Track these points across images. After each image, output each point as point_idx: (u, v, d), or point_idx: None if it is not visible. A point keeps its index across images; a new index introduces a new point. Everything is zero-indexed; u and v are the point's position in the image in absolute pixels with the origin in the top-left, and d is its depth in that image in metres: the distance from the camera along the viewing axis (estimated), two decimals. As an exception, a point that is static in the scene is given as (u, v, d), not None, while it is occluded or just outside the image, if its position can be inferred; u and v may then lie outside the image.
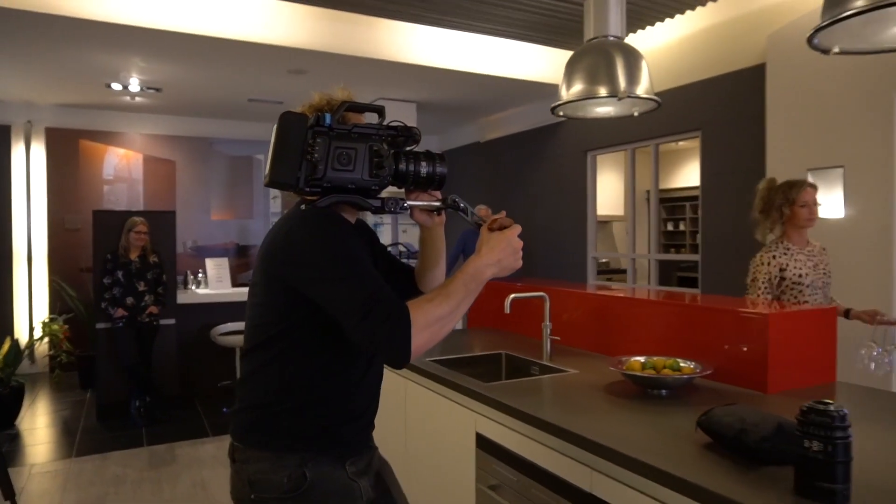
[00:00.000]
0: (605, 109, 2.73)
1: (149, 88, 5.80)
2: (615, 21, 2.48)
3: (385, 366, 1.46)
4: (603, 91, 2.35)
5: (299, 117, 1.28)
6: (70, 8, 3.90)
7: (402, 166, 1.35)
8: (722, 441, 1.46)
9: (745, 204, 4.42)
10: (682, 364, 2.04)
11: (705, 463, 1.41)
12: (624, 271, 6.54)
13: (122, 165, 7.19)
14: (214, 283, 5.80)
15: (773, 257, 2.70)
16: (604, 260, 8.02)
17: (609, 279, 7.54)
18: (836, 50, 1.63)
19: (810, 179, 3.26)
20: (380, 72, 5.18)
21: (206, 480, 3.72)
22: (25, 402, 5.06)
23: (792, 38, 3.82)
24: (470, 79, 5.46)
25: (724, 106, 4.64)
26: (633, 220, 5.81)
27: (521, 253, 1.30)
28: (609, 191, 7.37)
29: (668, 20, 4.86)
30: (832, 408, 1.19)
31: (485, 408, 2.02)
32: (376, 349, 1.18)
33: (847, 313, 2.76)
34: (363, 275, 1.22)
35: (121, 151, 7.15)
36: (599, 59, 2.39)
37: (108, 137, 7.03)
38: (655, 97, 2.48)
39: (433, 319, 1.19)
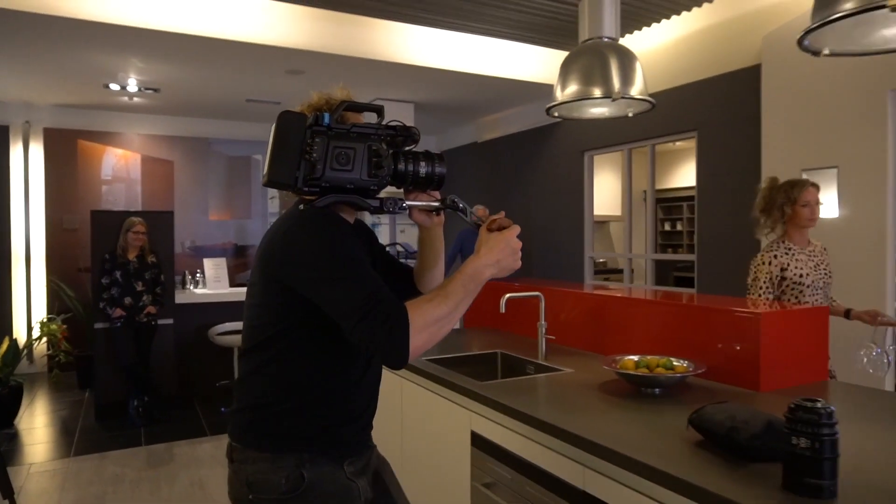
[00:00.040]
0: (599, 110, 2.75)
1: (147, 89, 5.81)
2: (609, 22, 2.50)
3: (384, 366, 1.45)
4: (597, 92, 2.37)
5: (298, 117, 1.28)
6: (68, 9, 3.91)
7: (401, 166, 1.35)
8: (713, 438, 1.48)
9: (741, 204, 4.45)
10: (675, 363, 2.06)
11: (696, 460, 1.43)
12: (621, 271, 6.56)
13: (120, 166, 7.21)
14: (212, 283, 5.81)
15: (775, 257, 2.68)
16: (601, 260, 8.04)
17: (606, 279, 7.56)
18: (826, 52, 1.65)
19: (790, 179, 3.23)
20: (377, 72, 5.20)
21: (203, 480, 3.73)
22: (24, 402, 5.07)
23: (787, 39, 3.83)
24: (467, 79, 5.48)
25: (719, 106, 4.66)
26: (629, 220, 5.83)
27: (520, 253, 1.29)
28: (607, 191, 7.39)
29: (664, 21, 4.88)
30: (819, 405, 1.21)
31: (480, 406, 2.04)
32: (375, 350, 1.18)
33: (847, 314, 2.76)
34: (362, 275, 1.22)
35: (119, 152, 7.16)
36: (594, 60, 2.41)
37: (106, 138, 7.04)
38: (649, 98, 2.49)
39: (432, 320, 1.19)
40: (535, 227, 6.58)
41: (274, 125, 1.26)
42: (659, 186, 8.80)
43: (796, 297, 2.67)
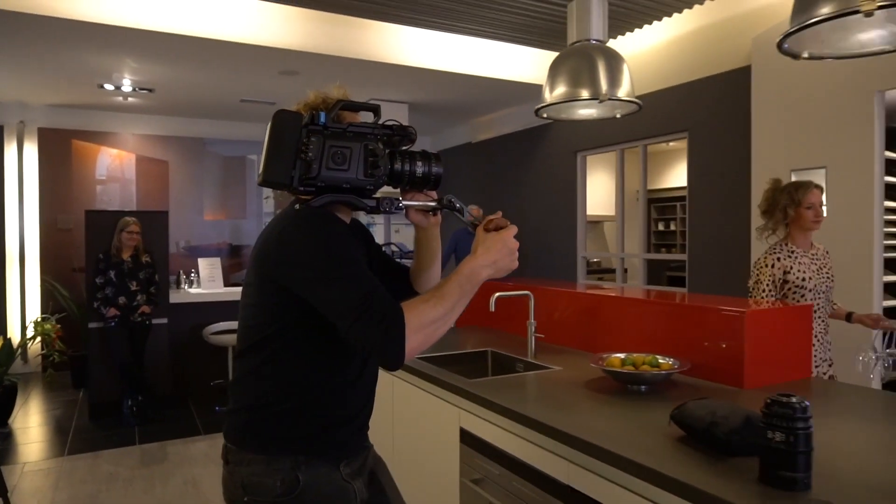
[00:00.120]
0: (587, 111, 2.78)
1: (141, 89, 5.83)
2: (597, 25, 2.53)
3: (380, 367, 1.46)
4: (585, 93, 2.40)
5: (294, 116, 1.27)
6: (62, 9, 3.93)
7: (398, 166, 1.33)
8: (693, 434, 1.51)
9: (732, 204, 4.50)
10: (660, 360, 2.09)
11: (677, 454, 1.46)
12: (615, 271, 6.60)
13: (114, 165, 7.21)
14: (207, 282, 5.82)
15: (778, 259, 2.63)
16: (595, 260, 8.08)
17: (600, 279, 7.60)
18: (806, 55, 1.68)
19: (777, 177, 3.19)
20: (372, 73, 5.22)
21: (197, 478, 3.75)
22: (18, 402, 5.07)
23: (776, 41, 3.88)
24: (461, 80, 5.51)
25: (710, 107, 4.70)
26: (622, 220, 5.87)
27: (517, 254, 1.28)
28: (601, 191, 7.43)
29: (655, 23, 4.92)
30: (794, 400, 1.24)
31: (468, 403, 2.07)
32: (370, 351, 1.17)
33: (849, 317, 2.74)
34: (358, 275, 1.21)
35: (113, 151, 7.16)
36: (582, 62, 2.44)
37: (100, 138, 7.05)
38: (636, 100, 2.53)
39: (428, 321, 1.18)
40: (528, 227, 6.62)
41: (270, 124, 1.26)
42: (653, 186, 8.84)
43: (798, 301, 2.62)
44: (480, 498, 1.99)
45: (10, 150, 6.54)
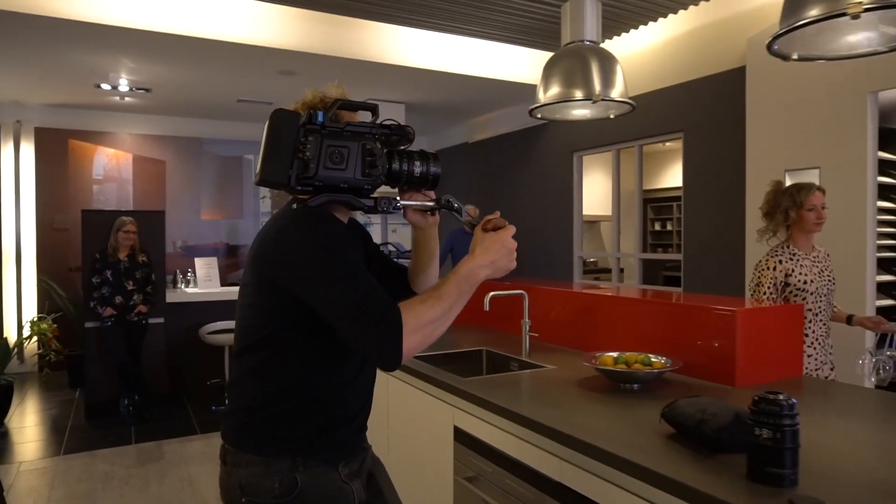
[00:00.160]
0: (581, 112, 2.80)
1: (138, 89, 5.83)
2: (591, 26, 2.55)
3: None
4: (579, 94, 2.42)
5: (291, 115, 1.26)
6: (59, 9, 3.93)
7: (396, 165, 1.33)
8: (683, 431, 1.52)
9: (727, 204, 4.52)
10: (653, 359, 2.10)
11: (667, 452, 1.47)
12: (611, 270, 6.62)
13: (111, 165, 7.21)
14: (204, 282, 5.83)
15: (780, 262, 2.59)
16: (592, 259, 8.10)
17: (597, 278, 7.62)
18: (795, 57, 1.70)
19: (779, 178, 3.19)
20: (369, 73, 5.24)
21: (193, 477, 3.76)
22: (14, 401, 5.07)
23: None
24: (458, 80, 5.53)
25: (705, 108, 4.72)
26: (617, 220, 5.89)
27: (515, 254, 1.28)
28: (598, 191, 7.46)
29: (651, 24, 4.94)
30: (781, 397, 1.26)
31: (462, 402, 2.08)
32: (368, 351, 1.17)
33: (849, 319, 2.73)
34: (355, 276, 1.20)
35: (110, 151, 7.16)
36: (575, 62, 2.46)
37: (97, 137, 7.05)
38: (629, 100, 2.54)
39: (425, 321, 1.17)
40: (525, 227, 6.63)
41: (267, 123, 1.25)
42: (650, 187, 8.88)
43: None
44: (474, 496, 2.00)
45: (7, 149, 6.54)
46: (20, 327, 6.38)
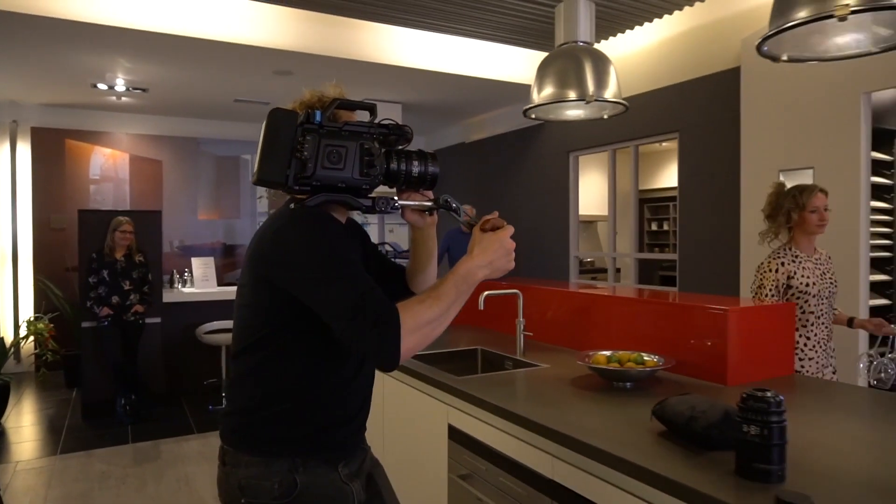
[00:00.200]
0: (575, 112, 2.81)
1: (135, 89, 5.83)
2: (584, 27, 2.56)
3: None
4: (572, 94, 2.44)
5: (289, 114, 1.25)
6: (55, 9, 3.94)
7: (394, 165, 1.32)
8: (674, 428, 1.54)
9: (722, 204, 4.54)
10: (646, 358, 2.12)
11: (658, 449, 1.49)
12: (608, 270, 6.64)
13: (108, 165, 7.21)
14: (200, 282, 5.84)
15: (782, 264, 2.57)
16: (589, 259, 8.13)
17: (594, 278, 7.65)
18: (785, 58, 1.72)
19: (781, 180, 3.18)
20: (365, 73, 5.25)
21: (189, 476, 3.77)
22: (11, 401, 5.08)
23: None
24: (454, 80, 5.54)
25: (700, 108, 4.74)
26: (613, 220, 5.91)
27: (513, 254, 1.27)
28: (595, 191, 7.48)
29: (646, 24, 4.96)
30: (769, 395, 1.27)
31: (456, 400, 2.09)
32: (366, 352, 1.16)
33: (850, 322, 2.72)
34: (353, 276, 1.19)
35: (107, 151, 7.16)
36: (569, 63, 2.48)
37: (94, 137, 7.05)
38: (623, 101, 2.56)
39: (423, 322, 1.16)
40: (521, 227, 6.62)
41: (265, 122, 1.24)
42: (647, 187, 8.90)
43: (801, 307, 2.56)
44: (468, 493, 2.02)
45: (3, 149, 6.54)
46: (17, 327, 6.38)
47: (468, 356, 2.81)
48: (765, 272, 2.60)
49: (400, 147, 1.36)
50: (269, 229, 1.29)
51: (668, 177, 8.81)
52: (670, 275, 7.41)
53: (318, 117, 1.24)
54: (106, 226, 4.88)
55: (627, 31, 5.11)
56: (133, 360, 4.94)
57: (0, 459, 4.07)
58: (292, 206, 1.31)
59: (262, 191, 7.88)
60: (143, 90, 5.91)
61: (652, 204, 9.24)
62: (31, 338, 5.67)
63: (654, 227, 9.37)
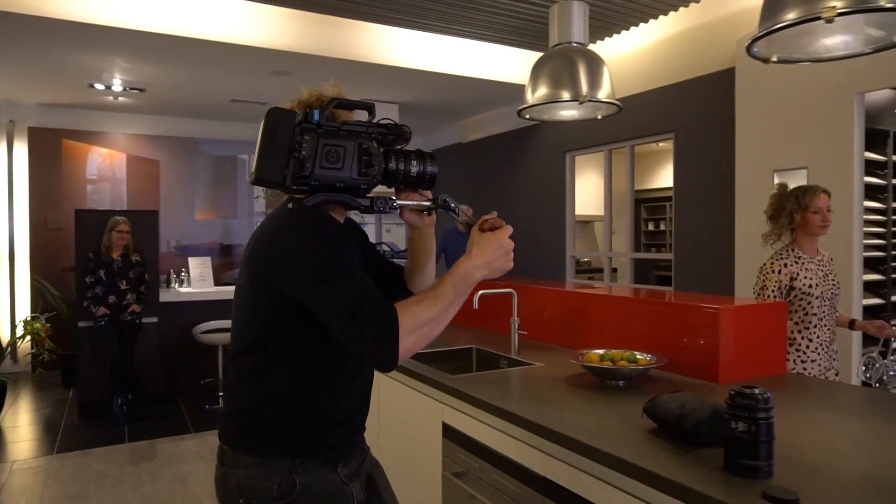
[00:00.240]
0: (569, 113, 2.83)
1: (132, 89, 5.84)
2: (578, 28, 2.58)
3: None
4: (566, 95, 2.45)
5: (287, 114, 1.25)
6: (52, 9, 3.95)
7: (392, 165, 1.32)
8: (664, 425, 1.55)
9: (717, 204, 4.56)
10: (638, 356, 2.14)
11: (648, 446, 1.50)
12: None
13: (105, 165, 7.21)
14: (197, 282, 5.84)
15: (785, 265, 2.56)
16: (586, 259, 8.15)
17: (591, 278, 7.66)
18: (775, 59, 1.73)
19: (784, 181, 3.06)
20: (362, 73, 5.26)
21: (185, 475, 3.78)
22: (7, 401, 5.08)
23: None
24: (451, 81, 5.56)
25: (696, 109, 4.76)
26: (609, 220, 5.93)
27: (512, 254, 1.27)
28: (592, 191, 7.49)
29: (641, 25, 4.98)
30: (757, 392, 1.29)
31: (451, 399, 2.11)
32: (364, 352, 1.16)
33: (851, 324, 2.72)
34: (351, 276, 1.19)
35: (104, 151, 7.16)
36: (563, 64, 2.49)
37: (91, 137, 7.05)
38: (616, 101, 2.58)
39: (422, 322, 1.16)
40: (518, 227, 6.51)
41: (263, 122, 1.24)
42: (644, 187, 8.93)
43: (804, 309, 2.56)
44: (462, 491, 2.03)
45: (0, 149, 6.54)
46: (13, 327, 6.38)
47: (463, 355, 2.83)
48: (767, 273, 2.59)
49: (398, 147, 1.35)
50: (268, 229, 1.29)
51: (664, 177, 8.83)
52: (666, 275, 7.44)
53: (316, 117, 1.24)
54: (103, 226, 4.88)
55: (623, 32, 5.13)
56: (129, 359, 4.95)
57: (-4, 459, 4.08)
58: (290, 205, 1.30)
59: (258, 190, 7.89)
60: (140, 90, 5.91)
61: (649, 204, 9.26)
62: (28, 337, 5.68)
63: (651, 227, 9.40)
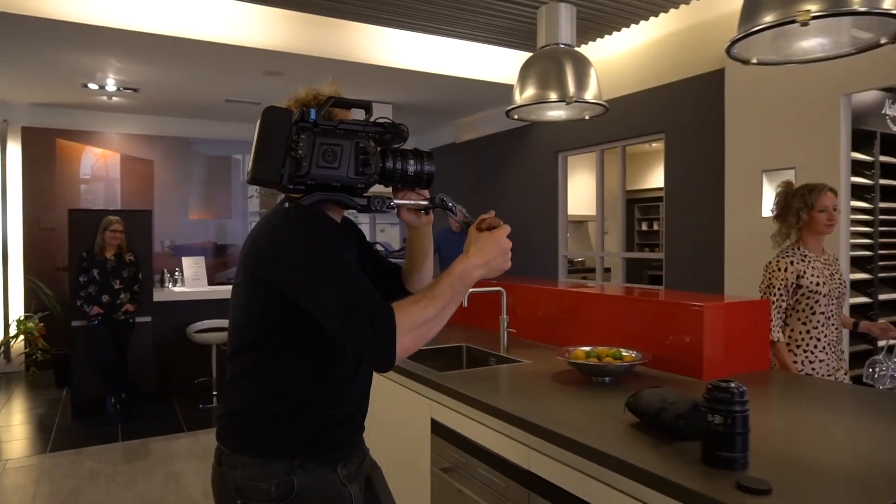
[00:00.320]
0: (556, 113, 2.86)
1: (126, 89, 5.85)
2: (566, 30, 2.61)
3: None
4: (553, 96, 2.49)
5: (283, 112, 1.24)
6: (45, 9, 3.96)
7: (389, 164, 1.30)
8: (645, 419, 1.59)
9: (707, 203, 4.60)
10: (624, 353, 2.17)
11: (629, 439, 1.54)
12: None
13: (99, 165, 7.22)
14: (191, 281, 5.86)
15: (791, 263, 2.54)
16: (580, 259, 8.18)
17: (584, 277, 7.70)
18: (755, 61, 1.77)
19: (807, 183, 2.98)
20: (355, 74, 5.28)
21: (178, 473, 3.79)
22: (0, 400, 5.08)
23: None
24: (444, 81, 5.59)
25: (686, 109, 4.80)
26: (601, 220, 5.97)
27: (510, 254, 1.26)
28: (585, 192, 7.53)
29: (633, 26, 5.02)
30: (732, 385, 1.32)
31: (439, 395, 2.14)
32: (361, 352, 1.16)
33: (855, 325, 2.71)
34: (348, 276, 1.18)
35: (98, 151, 7.17)
36: (550, 65, 2.53)
37: (85, 137, 7.05)
38: (603, 102, 2.61)
39: (419, 322, 1.15)
40: (511, 227, 6.63)
41: (259, 120, 1.22)
42: (637, 187, 8.98)
43: (811, 308, 2.54)
44: (450, 486, 2.06)
45: (-6, 148, 6.54)
46: (7, 326, 6.38)
47: (454, 353, 2.86)
48: (774, 271, 2.57)
49: (395, 146, 1.34)
50: (264, 229, 1.28)
51: (658, 177, 8.86)
52: (659, 274, 7.49)
53: (312, 115, 1.23)
54: (96, 225, 4.89)
55: (614, 34, 5.17)
56: (123, 358, 4.96)
57: (-11, 458, 4.09)
58: (287, 205, 1.30)
59: (252, 190, 7.90)
60: (134, 90, 5.93)
61: (642, 204, 9.31)
62: (21, 337, 5.69)
63: (644, 226, 9.44)
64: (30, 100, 6.49)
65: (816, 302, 2.52)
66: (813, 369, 2.53)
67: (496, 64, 5.57)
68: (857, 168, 4.05)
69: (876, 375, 2.64)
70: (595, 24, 4.91)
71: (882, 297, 4.21)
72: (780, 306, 2.54)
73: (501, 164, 7.07)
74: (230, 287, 1.41)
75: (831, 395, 2.08)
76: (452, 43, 5.32)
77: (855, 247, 4.00)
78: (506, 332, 2.68)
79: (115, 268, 4.89)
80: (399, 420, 2.46)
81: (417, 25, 4.94)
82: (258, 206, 7.97)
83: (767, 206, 3.96)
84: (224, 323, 4.93)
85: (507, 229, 1.28)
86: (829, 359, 2.54)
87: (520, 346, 2.72)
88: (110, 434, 4.54)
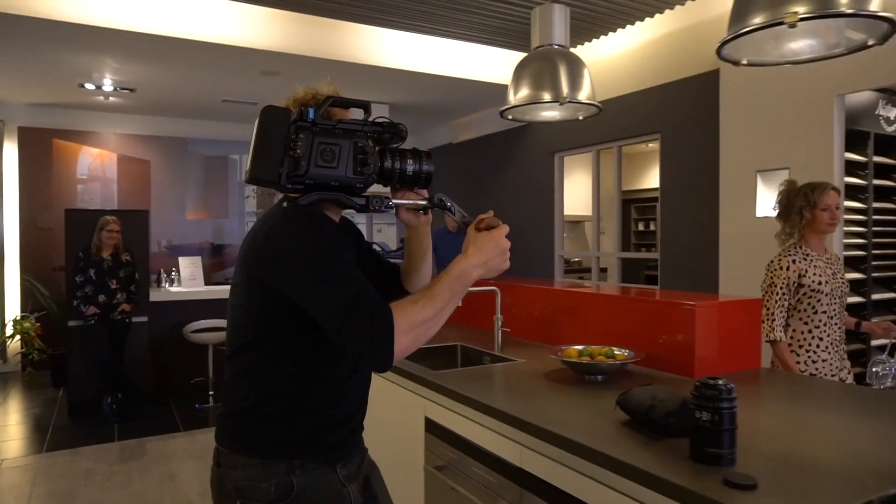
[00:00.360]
0: (550, 114, 2.88)
1: (122, 89, 5.85)
2: (559, 31, 2.63)
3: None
4: (547, 96, 2.50)
5: (282, 112, 1.24)
6: (42, 9, 3.96)
7: (388, 164, 1.30)
8: (636, 417, 1.60)
9: (702, 203, 4.62)
10: (616, 352, 2.18)
11: (620, 437, 1.55)
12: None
13: (96, 165, 7.22)
14: (188, 281, 5.86)
15: (793, 262, 2.52)
16: (576, 259, 8.20)
17: (581, 277, 7.71)
18: (745, 62, 1.79)
19: (810, 182, 2.90)
20: (352, 74, 5.29)
21: (174, 473, 3.80)
22: (-3, 400, 5.09)
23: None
24: (441, 81, 5.60)
25: (681, 110, 4.82)
26: (597, 220, 5.98)
27: (508, 254, 1.26)
28: (582, 192, 7.55)
29: (628, 27, 5.04)
30: (720, 382, 1.34)
31: (433, 394, 2.15)
32: (359, 352, 1.16)
33: (857, 325, 2.70)
34: (346, 276, 1.18)
35: (95, 151, 7.17)
36: (544, 66, 2.55)
37: (82, 137, 7.05)
38: (596, 102, 2.63)
39: (417, 322, 1.15)
40: (508, 226, 6.71)
41: (257, 120, 1.22)
42: (634, 187, 9.00)
43: (813, 307, 2.52)
44: (443, 484, 2.07)
45: (-10, 148, 6.54)
46: (3, 326, 6.38)
47: (448, 352, 2.87)
48: (775, 270, 2.55)
49: (394, 145, 1.35)
50: (262, 228, 1.28)
51: (654, 177, 8.88)
52: (655, 274, 7.51)
53: (311, 115, 1.23)
54: (93, 225, 4.90)
55: (610, 34, 5.19)
56: (120, 358, 4.96)
57: (-15, 457, 4.09)
58: (285, 204, 1.30)
59: (249, 190, 7.91)
60: (131, 90, 5.93)
61: (639, 204, 9.33)
62: (18, 337, 5.69)
63: (641, 227, 9.47)
64: (26, 100, 6.49)
65: (818, 301, 2.51)
66: (816, 369, 2.51)
67: (493, 64, 5.59)
68: (851, 168, 4.07)
69: (879, 375, 2.65)
70: (590, 24, 4.93)
71: (875, 296, 4.23)
72: (782, 305, 2.52)
73: (498, 165, 7.09)
74: (227, 287, 1.41)
75: (820, 394, 2.10)
76: (449, 43, 5.34)
77: (848, 247, 4.02)
78: (500, 332, 2.70)
79: (112, 268, 4.89)
80: (393, 418, 2.47)
81: (412, 25, 4.96)
82: (255, 206, 7.97)
83: (762, 207, 3.98)
84: (221, 323, 4.94)
85: (505, 229, 1.28)
86: (832, 358, 2.53)
87: (514, 346, 2.74)
88: (106, 434, 4.54)
